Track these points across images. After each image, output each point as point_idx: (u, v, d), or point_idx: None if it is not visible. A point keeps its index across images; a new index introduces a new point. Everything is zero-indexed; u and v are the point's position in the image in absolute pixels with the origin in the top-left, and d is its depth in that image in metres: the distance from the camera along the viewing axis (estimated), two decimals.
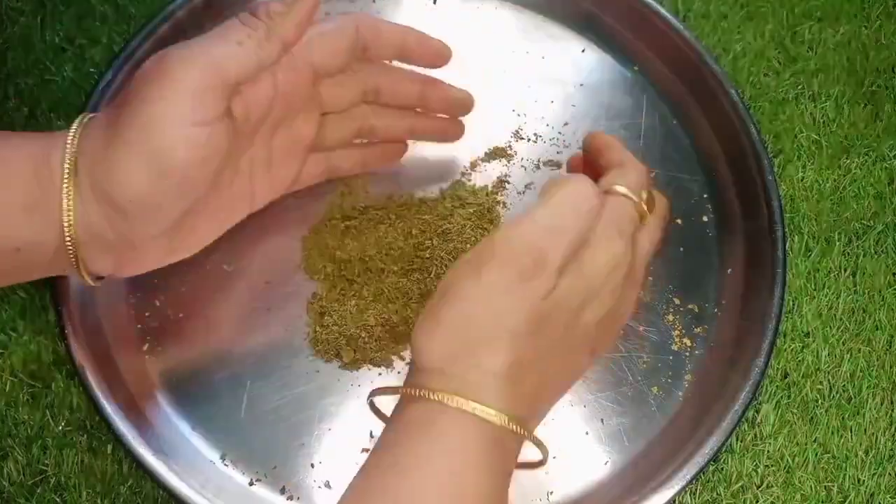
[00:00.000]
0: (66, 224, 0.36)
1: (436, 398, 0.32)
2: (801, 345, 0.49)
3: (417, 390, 0.33)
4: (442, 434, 0.32)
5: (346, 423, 0.45)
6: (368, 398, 0.36)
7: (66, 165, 0.35)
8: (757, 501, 0.45)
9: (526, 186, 0.50)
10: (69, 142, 0.36)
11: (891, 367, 0.48)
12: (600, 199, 0.35)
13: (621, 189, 0.37)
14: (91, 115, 0.38)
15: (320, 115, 0.44)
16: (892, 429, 0.47)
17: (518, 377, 0.33)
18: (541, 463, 0.37)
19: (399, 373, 0.45)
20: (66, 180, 0.35)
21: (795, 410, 0.47)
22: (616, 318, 0.37)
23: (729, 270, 0.50)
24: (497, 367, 0.32)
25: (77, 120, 0.37)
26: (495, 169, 0.51)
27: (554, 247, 0.33)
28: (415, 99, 0.46)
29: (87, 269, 0.38)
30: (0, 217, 0.35)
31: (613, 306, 0.36)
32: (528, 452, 0.36)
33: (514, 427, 0.33)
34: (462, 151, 0.51)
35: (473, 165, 0.51)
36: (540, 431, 0.45)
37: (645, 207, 0.37)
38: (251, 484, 0.43)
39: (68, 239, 0.36)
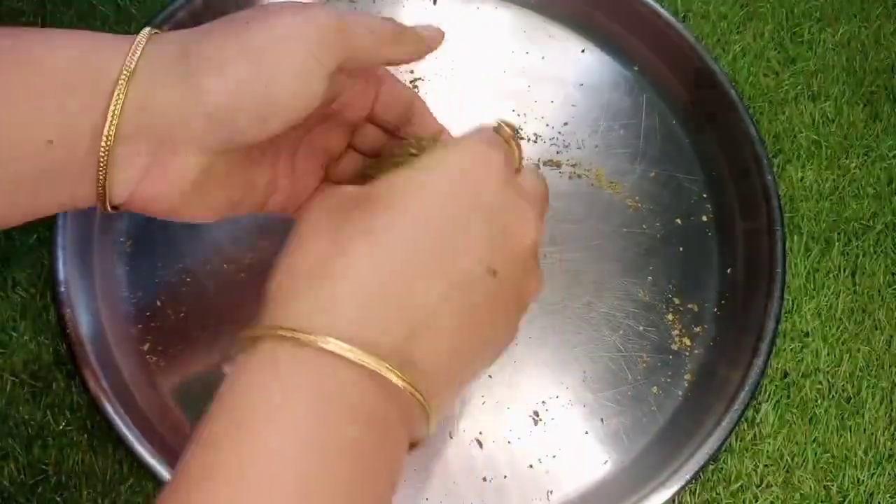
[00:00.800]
0: (113, 105, 0.31)
1: (286, 335, 0.27)
2: (800, 344, 0.49)
3: (261, 330, 0.28)
4: (295, 377, 0.27)
5: None
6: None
7: (125, 72, 0.32)
8: (756, 501, 0.45)
9: None
10: (131, 50, 0.32)
11: (890, 367, 0.48)
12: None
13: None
14: (154, 31, 0.34)
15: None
16: (892, 428, 0.47)
17: (390, 298, 0.29)
18: (419, 442, 0.31)
19: None
20: (122, 77, 0.31)
21: (795, 410, 0.47)
22: (517, 259, 0.32)
23: (728, 270, 0.50)
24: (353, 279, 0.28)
25: (144, 33, 0.33)
26: None
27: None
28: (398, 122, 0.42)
29: (113, 179, 0.32)
30: (38, 102, 0.31)
31: (505, 236, 0.32)
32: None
33: (379, 366, 0.27)
34: None
35: None
36: (540, 431, 0.45)
37: (508, 132, 0.35)
38: None
39: (110, 124, 0.31)
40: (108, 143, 0.32)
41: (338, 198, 0.32)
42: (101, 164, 0.32)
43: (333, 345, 0.27)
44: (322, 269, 0.29)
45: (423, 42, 0.37)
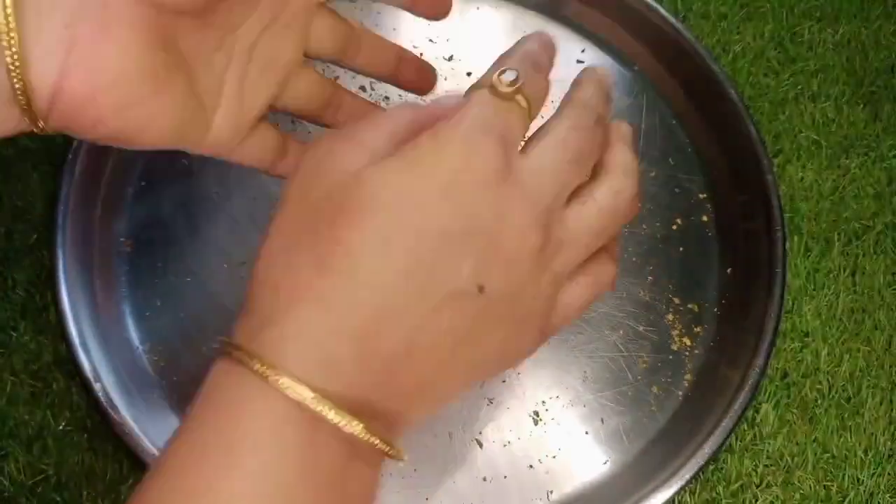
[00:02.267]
0: None
1: (248, 366, 0.25)
2: (800, 345, 0.49)
3: (230, 349, 0.26)
4: (252, 420, 0.25)
5: None
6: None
7: None
8: (756, 501, 0.45)
9: None
10: None
11: (890, 367, 0.48)
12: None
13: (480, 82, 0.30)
14: None
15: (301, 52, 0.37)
16: (892, 428, 0.47)
17: (369, 330, 0.26)
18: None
19: None
20: None
21: (795, 410, 0.47)
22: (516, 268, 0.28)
23: (728, 270, 0.50)
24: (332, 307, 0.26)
25: None
26: None
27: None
28: (390, 68, 0.40)
29: (29, 53, 0.27)
30: None
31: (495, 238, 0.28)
32: None
33: (342, 421, 0.25)
34: None
35: None
36: (540, 432, 0.45)
37: (508, 89, 0.29)
38: None
39: None
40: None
41: (323, 176, 0.28)
42: (5, 22, 0.26)
43: (300, 393, 0.25)
44: (296, 291, 0.26)
45: None
